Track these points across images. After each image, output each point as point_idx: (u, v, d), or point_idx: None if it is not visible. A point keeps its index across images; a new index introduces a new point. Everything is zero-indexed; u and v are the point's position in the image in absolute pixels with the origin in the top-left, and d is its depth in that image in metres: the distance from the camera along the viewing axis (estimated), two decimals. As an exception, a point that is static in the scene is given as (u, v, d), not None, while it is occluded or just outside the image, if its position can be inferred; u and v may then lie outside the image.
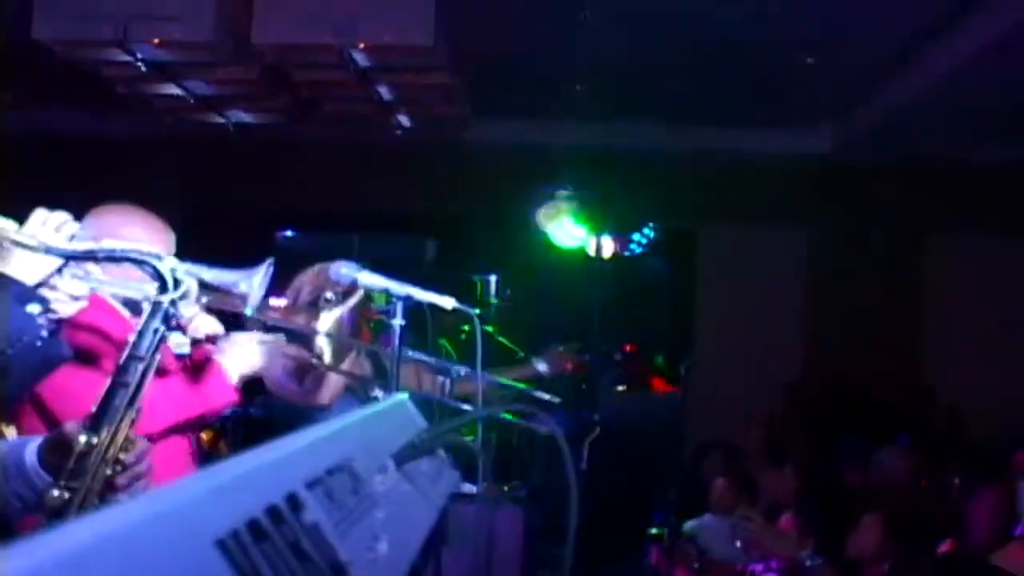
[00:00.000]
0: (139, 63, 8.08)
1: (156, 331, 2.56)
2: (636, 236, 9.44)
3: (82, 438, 2.46)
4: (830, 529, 5.86)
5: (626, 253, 9.25)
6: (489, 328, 8.50)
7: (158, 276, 2.59)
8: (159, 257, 2.63)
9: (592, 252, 8.53)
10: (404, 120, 9.50)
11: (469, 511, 4.26)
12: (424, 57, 7.95)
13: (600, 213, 8.19)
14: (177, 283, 2.58)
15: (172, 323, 2.61)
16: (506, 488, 6.11)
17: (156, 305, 2.55)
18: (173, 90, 8.82)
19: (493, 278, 10.15)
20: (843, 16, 7.97)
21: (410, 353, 4.48)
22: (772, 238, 11.35)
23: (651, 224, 9.58)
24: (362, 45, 7.74)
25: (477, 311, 4.15)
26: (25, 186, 11.07)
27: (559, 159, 9.68)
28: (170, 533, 0.96)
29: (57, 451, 2.54)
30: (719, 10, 7.91)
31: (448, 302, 4.00)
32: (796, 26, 8.16)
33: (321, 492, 1.33)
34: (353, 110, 9.34)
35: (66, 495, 2.43)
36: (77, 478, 2.44)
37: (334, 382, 4.73)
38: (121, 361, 2.55)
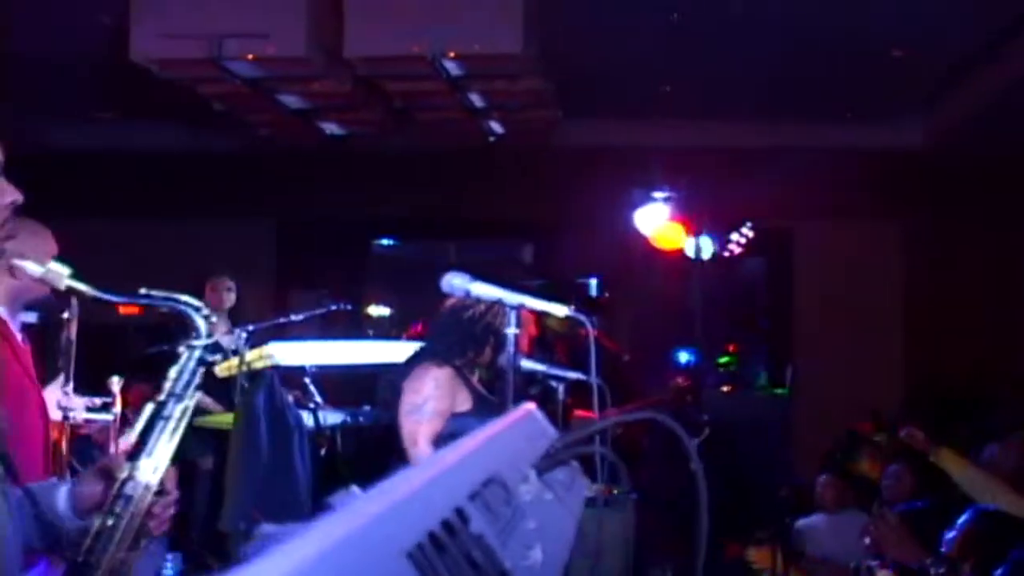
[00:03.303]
0: (233, 79, 8.19)
1: (193, 372, 2.72)
2: (734, 236, 9.42)
3: (126, 469, 2.62)
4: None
5: (725, 253, 9.23)
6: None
7: (194, 324, 2.75)
8: (198, 308, 2.77)
9: (691, 253, 8.52)
10: (496, 126, 9.54)
11: (584, 514, 4.28)
12: (514, 64, 7.98)
13: (697, 213, 8.18)
14: (209, 332, 2.76)
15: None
16: (615, 490, 6.12)
17: (191, 350, 2.72)
18: (267, 104, 8.92)
19: (594, 281, 10.15)
20: (930, 7, 7.89)
21: (523, 362, 4.53)
22: (867, 233, 11.25)
23: (748, 223, 9.56)
24: (452, 54, 7.78)
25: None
26: (125, 201, 11.32)
27: (653, 160, 9.67)
28: (369, 548, 1.00)
29: (98, 482, 2.69)
30: (806, 6, 7.86)
31: (561, 310, 4.02)
32: (883, 19, 8.09)
33: (481, 504, 1.37)
34: (445, 118, 9.40)
35: (110, 521, 2.57)
36: (120, 506, 2.59)
37: None
38: (162, 397, 2.69)
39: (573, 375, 4.97)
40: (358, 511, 1.05)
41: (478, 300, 5.34)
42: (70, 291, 2.72)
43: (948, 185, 11.06)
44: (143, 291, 2.89)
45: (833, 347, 10.89)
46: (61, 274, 2.69)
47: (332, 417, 7.25)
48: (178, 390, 2.69)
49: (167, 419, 2.67)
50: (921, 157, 10.84)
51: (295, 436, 6.63)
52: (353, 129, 9.72)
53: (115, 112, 10.77)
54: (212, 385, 7.57)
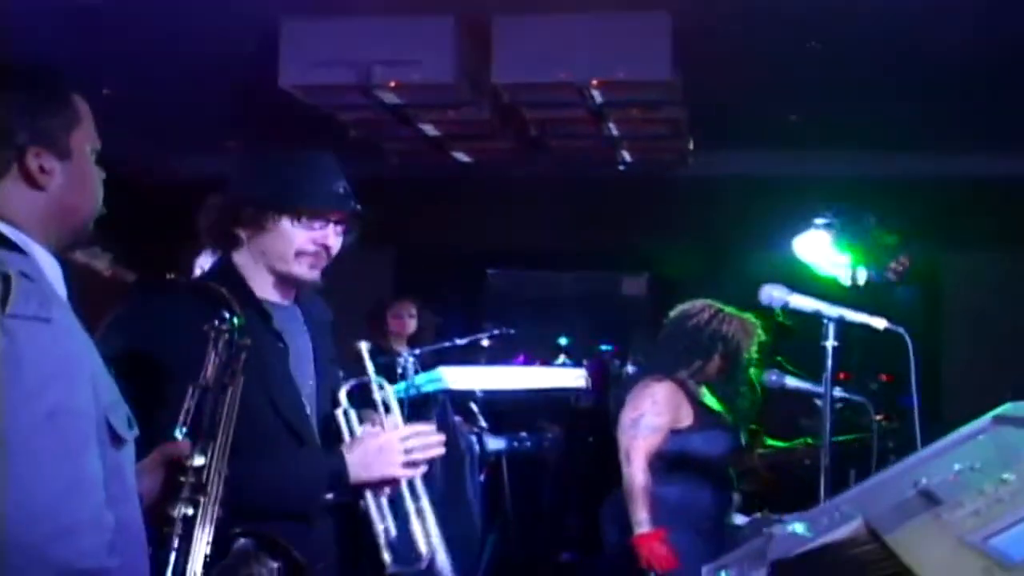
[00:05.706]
0: (377, 106, 8.19)
1: (229, 355, 2.75)
2: (891, 264, 9.35)
3: (196, 457, 2.63)
4: None
5: (878, 281, 9.16)
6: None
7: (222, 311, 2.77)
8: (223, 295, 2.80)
9: (847, 281, 8.47)
10: (627, 156, 9.53)
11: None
12: (659, 92, 7.96)
13: (855, 241, 8.12)
14: (237, 316, 2.77)
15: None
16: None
17: (219, 335, 2.75)
18: (404, 132, 8.92)
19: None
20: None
21: (788, 380, 4.55)
22: (1017, 261, 11.07)
23: (903, 252, 9.51)
24: (596, 82, 7.75)
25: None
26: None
27: (800, 189, 9.58)
28: None
29: (157, 473, 2.66)
30: (947, 33, 7.71)
31: (880, 322, 4.02)
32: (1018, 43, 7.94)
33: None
34: (578, 147, 9.39)
35: (189, 510, 2.58)
36: (199, 492, 2.61)
37: None
38: (203, 383, 2.72)
39: (840, 393, 4.97)
40: None
41: (705, 308, 5.34)
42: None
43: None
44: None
45: (982, 375, 10.72)
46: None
47: (495, 443, 7.23)
48: (217, 375, 2.72)
49: (216, 401, 2.69)
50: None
51: (466, 461, 6.62)
52: (483, 157, 9.72)
53: (241, 141, 10.76)
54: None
